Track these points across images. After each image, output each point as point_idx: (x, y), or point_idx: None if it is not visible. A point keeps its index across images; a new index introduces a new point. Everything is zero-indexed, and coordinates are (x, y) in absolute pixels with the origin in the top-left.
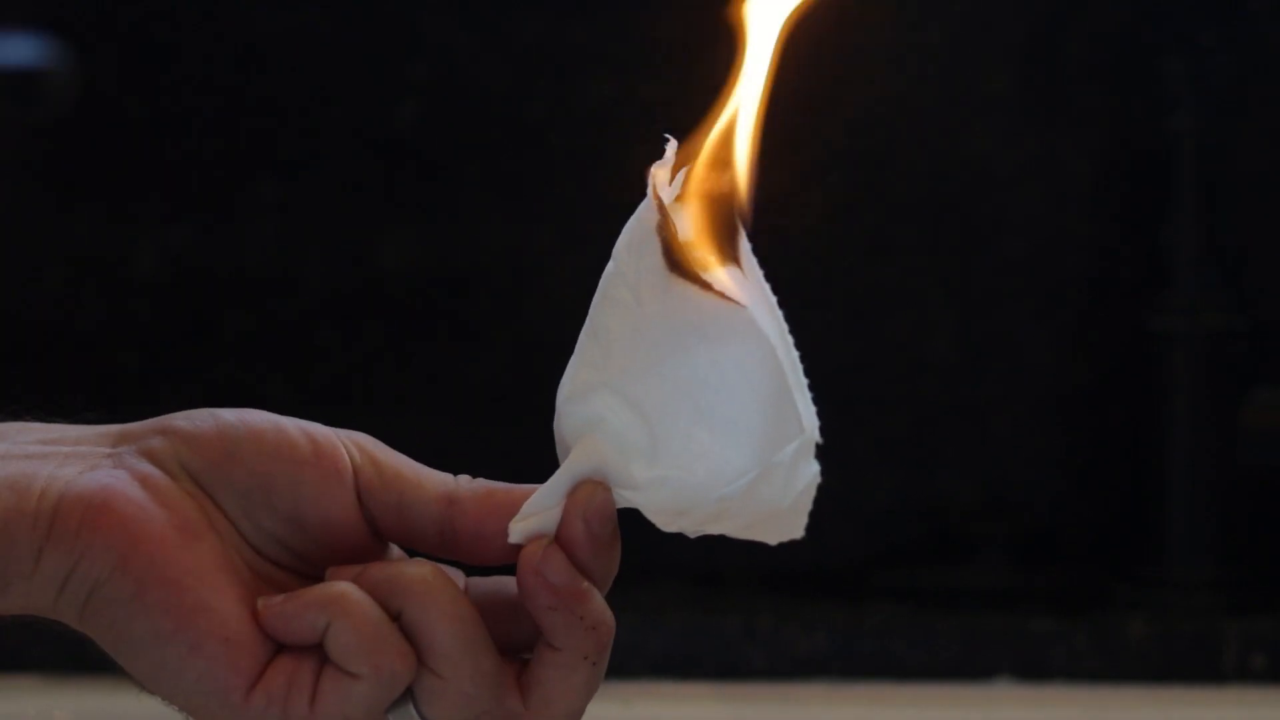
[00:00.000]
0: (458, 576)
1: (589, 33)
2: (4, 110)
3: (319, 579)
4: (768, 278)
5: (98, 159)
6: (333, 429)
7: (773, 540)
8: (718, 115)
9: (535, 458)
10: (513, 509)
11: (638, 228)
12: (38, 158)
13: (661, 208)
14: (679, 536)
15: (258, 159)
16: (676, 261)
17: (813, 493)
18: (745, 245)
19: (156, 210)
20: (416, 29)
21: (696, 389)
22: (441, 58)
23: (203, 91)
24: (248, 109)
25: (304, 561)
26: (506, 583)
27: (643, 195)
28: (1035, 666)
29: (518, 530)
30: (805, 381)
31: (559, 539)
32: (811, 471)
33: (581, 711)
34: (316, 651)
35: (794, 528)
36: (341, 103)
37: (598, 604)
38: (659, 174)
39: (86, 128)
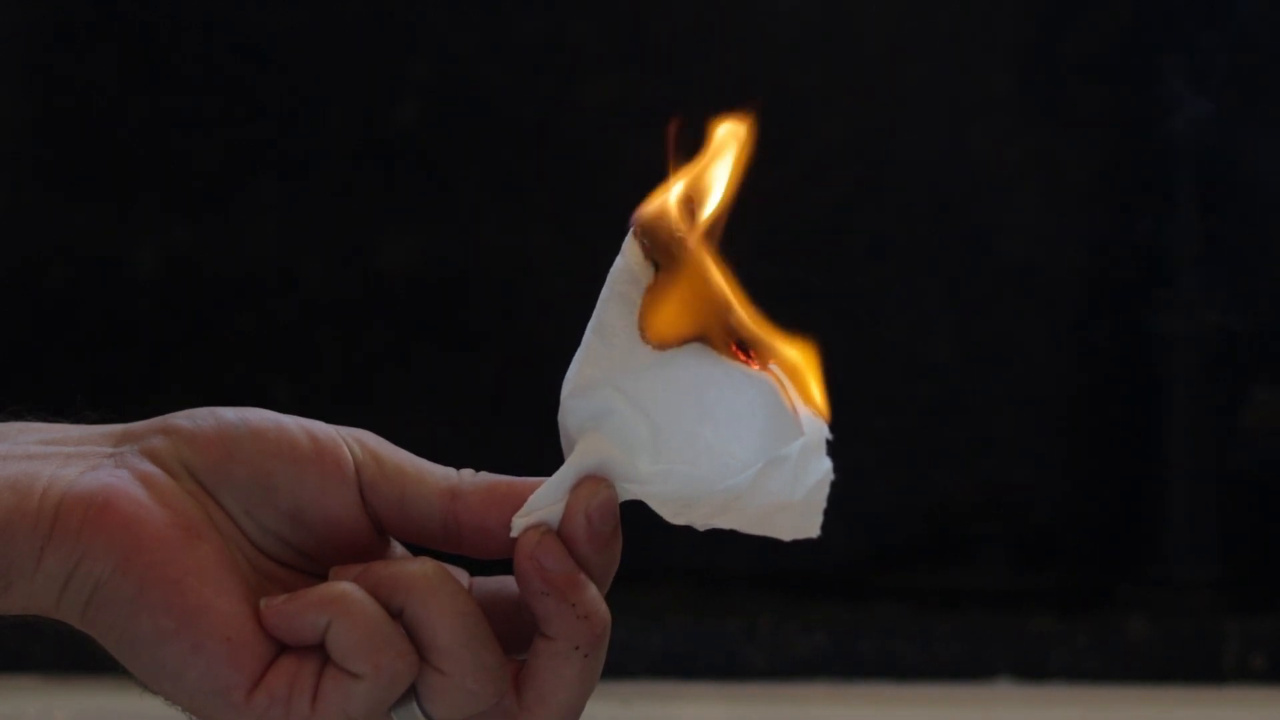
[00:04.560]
0: (461, 576)
1: (589, 33)
2: (3, 109)
3: (323, 577)
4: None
5: (98, 159)
6: (334, 426)
7: (786, 536)
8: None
9: (535, 456)
10: (516, 501)
11: None
12: (39, 157)
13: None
14: (679, 537)
15: (258, 159)
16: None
17: (826, 489)
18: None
19: (156, 210)
20: (416, 29)
21: (701, 386)
22: (441, 58)
23: (203, 91)
24: (248, 109)
25: (307, 559)
26: (509, 582)
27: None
28: (1035, 666)
29: (520, 525)
30: None
31: (561, 534)
32: (824, 467)
33: (579, 710)
34: (319, 651)
35: (808, 525)
36: (341, 103)
37: (591, 594)
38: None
39: (86, 128)
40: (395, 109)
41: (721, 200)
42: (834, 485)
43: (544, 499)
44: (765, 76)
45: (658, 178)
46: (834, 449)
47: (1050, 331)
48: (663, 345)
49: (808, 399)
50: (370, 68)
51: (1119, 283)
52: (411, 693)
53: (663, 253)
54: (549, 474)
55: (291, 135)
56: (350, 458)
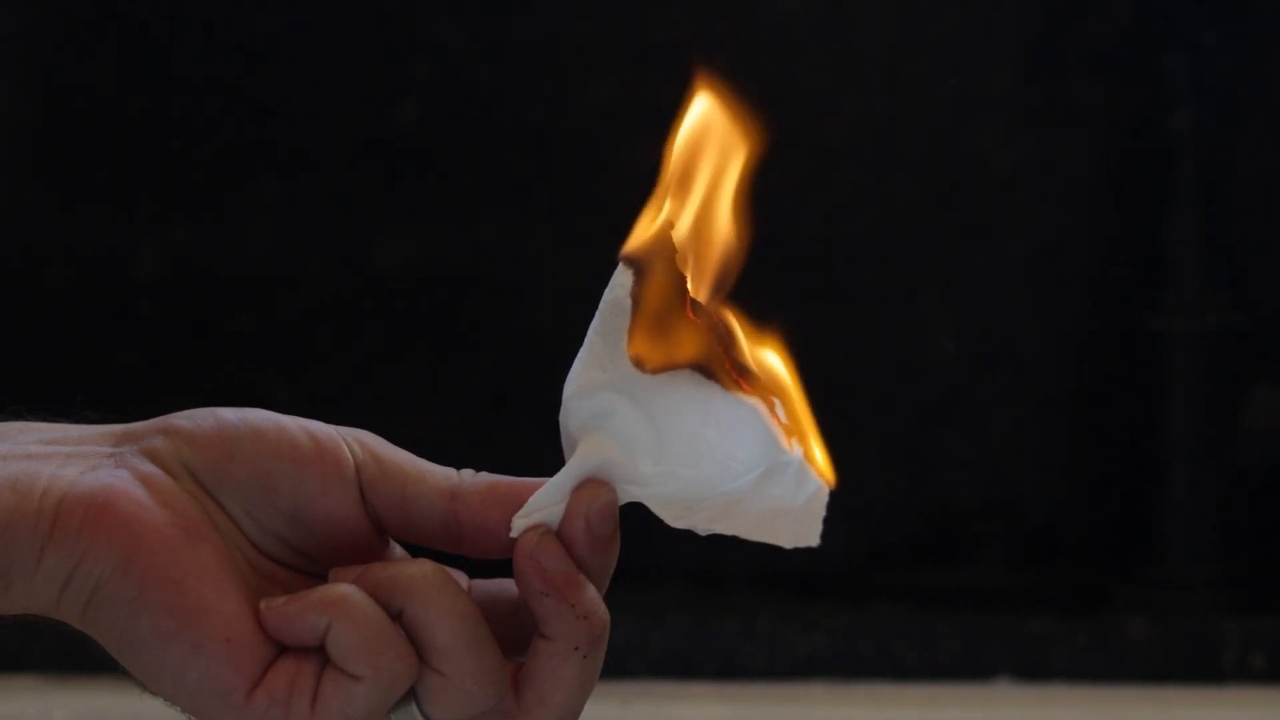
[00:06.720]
0: (461, 578)
1: (589, 33)
2: (3, 110)
3: (323, 577)
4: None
5: (98, 159)
6: (334, 426)
7: (786, 544)
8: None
9: (536, 456)
10: (516, 501)
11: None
12: (39, 157)
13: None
14: (679, 537)
15: (258, 159)
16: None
17: (825, 498)
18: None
19: (156, 210)
20: (416, 29)
21: (704, 390)
22: (441, 58)
23: (203, 91)
24: (248, 109)
25: (308, 560)
26: (508, 584)
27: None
28: (1035, 666)
29: (520, 526)
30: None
31: (560, 535)
32: (820, 480)
33: (578, 711)
34: (318, 653)
35: (808, 533)
36: (341, 103)
37: (590, 594)
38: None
39: (86, 128)
40: (395, 109)
41: (728, 232)
42: (835, 484)
43: (544, 500)
44: (765, 77)
45: (657, 179)
46: (833, 448)
47: (1050, 331)
48: (656, 371)
49: (805, 446)
50: (370, 68)
51: (1119, 283)
52: (411, 694)
53: (655, 280)
54: (550, 474)
55: (291, 135)
56: (350, 458)
